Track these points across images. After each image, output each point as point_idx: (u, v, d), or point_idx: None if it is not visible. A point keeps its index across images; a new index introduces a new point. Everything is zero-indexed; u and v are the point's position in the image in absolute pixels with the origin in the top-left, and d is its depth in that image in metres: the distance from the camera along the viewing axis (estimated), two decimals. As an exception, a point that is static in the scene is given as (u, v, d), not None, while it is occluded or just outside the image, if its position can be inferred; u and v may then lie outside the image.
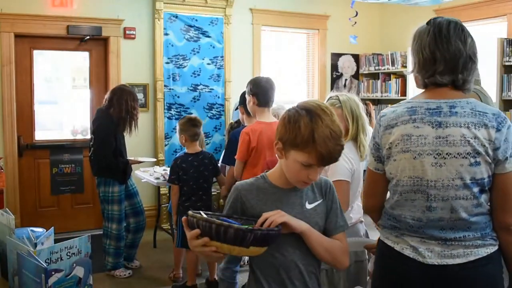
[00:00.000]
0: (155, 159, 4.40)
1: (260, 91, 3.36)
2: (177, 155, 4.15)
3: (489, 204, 1.65)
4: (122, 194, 4.17)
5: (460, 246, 1.62)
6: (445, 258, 1.62)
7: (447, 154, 1.61)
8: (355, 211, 2.50)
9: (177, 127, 4.04)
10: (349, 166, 2.41)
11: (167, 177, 4.09)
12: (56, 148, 5.39)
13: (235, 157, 3.44)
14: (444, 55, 1.65)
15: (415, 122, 1.66)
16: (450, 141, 1.60)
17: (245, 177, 3.36)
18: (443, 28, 1.68)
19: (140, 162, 4.40)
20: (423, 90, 1.75)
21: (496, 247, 1.65)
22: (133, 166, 4.47)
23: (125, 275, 4.20)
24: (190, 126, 3.88)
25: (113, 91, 4.20)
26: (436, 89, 1.69)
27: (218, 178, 3.99)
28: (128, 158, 4.28)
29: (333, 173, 2.41)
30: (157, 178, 4.45)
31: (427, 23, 1.73)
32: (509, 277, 1.73)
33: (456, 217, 1.61)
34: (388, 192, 1.81)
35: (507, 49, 4.96)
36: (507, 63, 4.98)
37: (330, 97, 2.54)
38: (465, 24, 1.76)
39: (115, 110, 4.08)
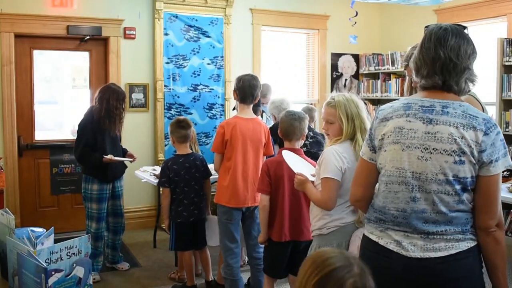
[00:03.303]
0: (131, 159, 4.32)
1: (238, 87, 3.47)
2: (167, 157, 4.09)
3: (472, 203, 1.72)
4: (103, 193, 4.11)
5: (442, 240, 1.70)
6: (427, 252, 1.70)
7: (433, 149, 1.69)
8: (352, 213, 2.49)
9: None
10: (340, 164, 2.43)
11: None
12: (56, 148, 5.39)
13: (211, 149, 3.52)
14: (425, 60, 1.76)
15: (408, 116, 1.75)
16: (438, 137, 1.69)
17: (221, 171, 3.46)
18: (429, 34, 1.78)
19: (115, 160, 4.07)
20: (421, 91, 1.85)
21: (476, 242, 1.73)
22: (132, 166, 4.46)
23: (94, 279, 3.92)
24: (177, 128, 3.85)
25: (100, 89, 4.19)
26: (432, 91, 1.78)
27: (206, 180, 3.93)
28: (104, 156, 4.04)
29: (323, 170, 2.44)
30: (157, 178, 4.44)
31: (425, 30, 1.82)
32: (488, 274, 1.78)
33: (437, 210, 1.69)
34: (378, 185, 1.87)
35: (507, 49, 4.96)
36: (507, 63, 4.98)
37: (330, 97, 2.60)
38: (465, 24, 1.79)
39: (96, 109, 4.08)
